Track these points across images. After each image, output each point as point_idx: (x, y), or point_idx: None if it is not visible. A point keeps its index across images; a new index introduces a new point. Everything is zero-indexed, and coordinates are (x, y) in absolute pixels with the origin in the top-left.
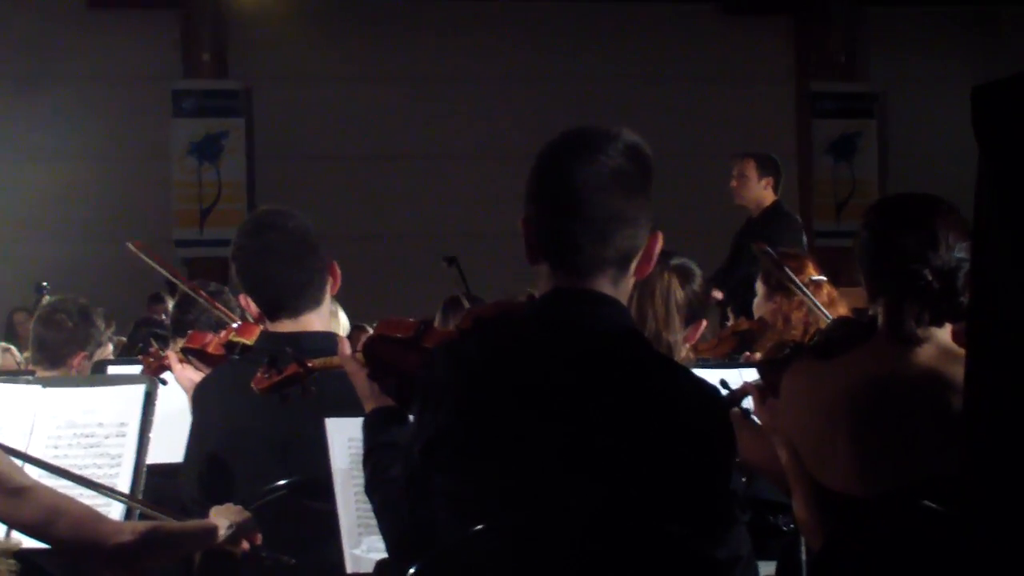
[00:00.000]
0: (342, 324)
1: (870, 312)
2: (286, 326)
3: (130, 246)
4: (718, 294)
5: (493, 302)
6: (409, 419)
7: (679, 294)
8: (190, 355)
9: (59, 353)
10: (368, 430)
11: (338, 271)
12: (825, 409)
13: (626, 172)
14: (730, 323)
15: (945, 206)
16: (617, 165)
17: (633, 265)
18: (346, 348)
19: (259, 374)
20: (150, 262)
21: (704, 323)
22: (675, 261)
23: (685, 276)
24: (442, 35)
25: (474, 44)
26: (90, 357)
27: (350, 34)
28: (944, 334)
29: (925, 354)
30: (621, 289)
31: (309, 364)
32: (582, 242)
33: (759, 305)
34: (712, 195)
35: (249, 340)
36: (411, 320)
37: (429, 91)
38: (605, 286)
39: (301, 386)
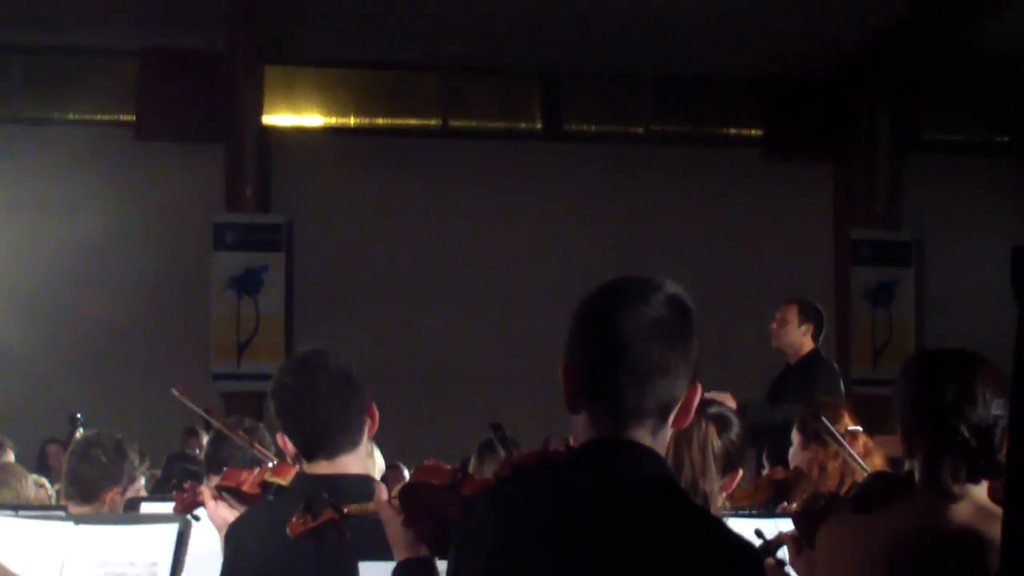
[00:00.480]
0: (377, 464)
1: (907, 466)
2: (323, 467)
3: (175, 392)
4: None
5: (532, 451)
6: (438, 571)
7: (716, 443)
8: (225, 493)
9: (93, 488)
10: None
11: (376, 413)
12: (863, 564)
13: (668, 322)
14: (766, 471)
15: (982, 361)
16: (660, 316)
17: (672, 416)
18: (383, 494)
19: (294, 519)
20: (195, 408)
21: (740, 473)
22: (713, 410)
23: (723, 425)
24: (485, 174)
25: (516, 183)
26: (123, 492)
27: (392, 170)
28: (981, 491)
29: (962, 511)
30: (659, 440)
31: (345, 510)
32: (623, 391)
33: (795, 454)
34: (750, 340)
35: (284, 480)
36: (448, 467)
37: (469, 230)
38: (644, 436)
39: (336, 532)
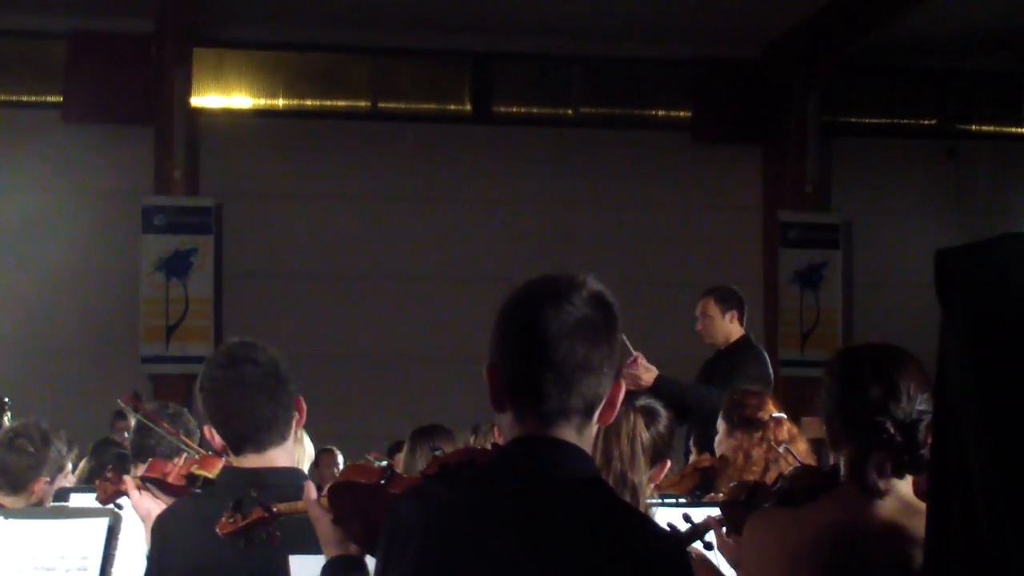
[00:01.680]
0: (307, 450)
1: (831, 460)
2: (251, 461)
3: (120, 402)
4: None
5: (459, 449)
6: (367, 568)
7: (644, 435)
8: (149, 484)
9: (21, 479)
10: None
11: (304, 406)
12: (788, 558)
13: (591, 321)
14: (692, 459)
15: (907, 357)
16: (583, 315)
17: (597, 413)
18: (312, 493)
19: (224, 519)
20: (144, 420)
21: (668, 463)
22: (640, 402)
23: (650, 417)
24: (415, 157)
25: (446, 166)
26: (51, 481)
27: (324, 153)
28: (906, 486)
29: (887, 507)
30: (585, 437)
31: (274, 509)
32: (548, 390)
33: (720, 442)
34: (681, 323)
35: (211, 473)
36: (376, 466)
37: (401, 213)
38: (569, 434)
39: (266, 531)
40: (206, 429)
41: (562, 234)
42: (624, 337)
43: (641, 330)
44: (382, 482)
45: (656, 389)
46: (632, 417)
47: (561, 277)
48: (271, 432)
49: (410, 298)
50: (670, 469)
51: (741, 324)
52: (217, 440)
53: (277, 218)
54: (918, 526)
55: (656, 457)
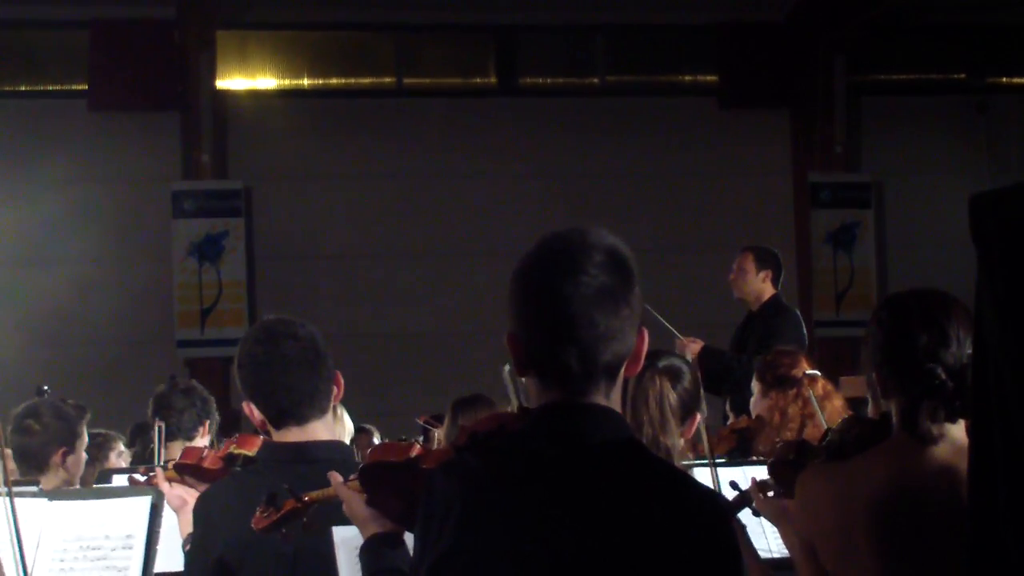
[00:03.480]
0: (347, 427)
1: (871, 409)
2: (293, 435)
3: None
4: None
5: (486, 416)
6: (407, 544)
7: (671, 396)
8: (184, 472)
9: (39, 457)
10: (367, 556)
11: (342, 381)
12: (844, 511)
13: (610, 289)
14: (730, 421)
15: (952, 301)
16: (601, 283)
17: (622, 370)
18: (337, 478)
19: (258, 513)
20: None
21: (699, 416)
22: (663, 362)
23: (675, 377)
24: (444, 133)
25: (473, 140)
26: (72, 451)
27: (350, 132)
28: (959, 430)
29: (941, 452)
30: (614, 397)
31: (306, 498)
32: (573, 365)
33: (755, 403)
34: (712, 289)
35: (250, 451)
36: (405, 443)
37: (431, 189)
38: (598, 398)
39: (302, 521)
40: (245, 406)
41: (591, 204)
42: (662, 318)
43: (673, 297)
44: (413, 459)
45: (702, 359)
46: (658, 380)
47: (572, 239)
48: (312, 406)
49: (442, 275)
50: (703, 424)
51: (774, 286)
52: (257, 415)
53: (306, 198)
54: None
55: (685, 413)
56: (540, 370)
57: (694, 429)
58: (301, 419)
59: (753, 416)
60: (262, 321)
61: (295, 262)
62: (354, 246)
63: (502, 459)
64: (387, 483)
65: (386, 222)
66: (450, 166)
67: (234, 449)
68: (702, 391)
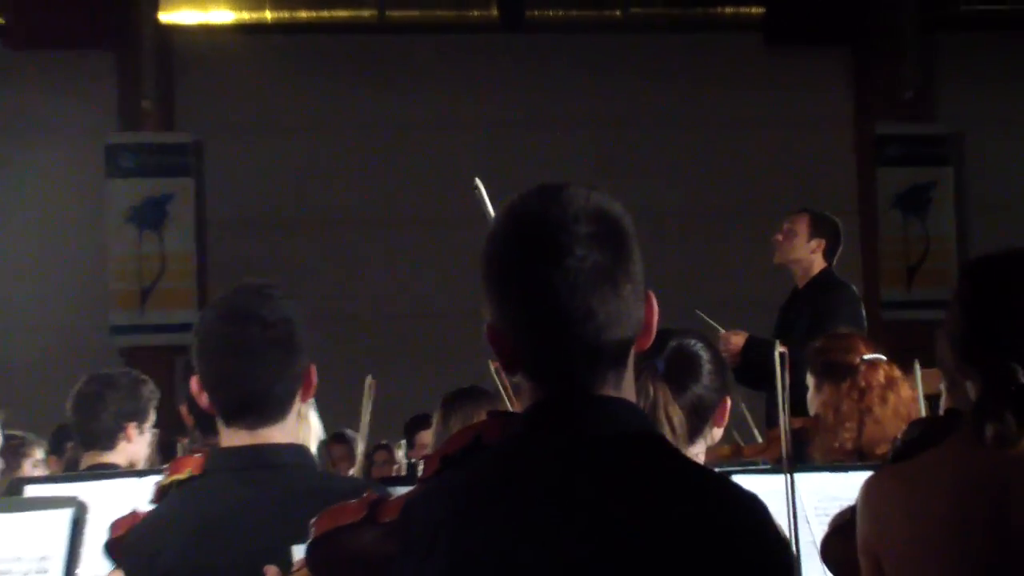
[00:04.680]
0: (314, 430)
1: (944, 401)
2: (241, 438)
3: None
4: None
5: (459, 432)
6: None
7: (674, 413)
8: (111, 548)
9: None
10: None
11: (314, 378)
12: (916, 512)
13: (604, 267)
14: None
15: None
16: (593, 262)
17: (632, 349)
18: (274, 572)
19: None
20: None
21: (728, 401)
22: (673, 343)
23: (688, 369)
24: (433, 76)
25: (469, 85)
26: None
27: (320, 76)
28: None
29: (1020, 450)
30: (626, 383)
31: None
32: (574, 364)
33: (811, 400)
34: (755, 262)
35: (183, 475)
36: (353, 501)
37: (418, 143)
38: (606, 390)
39: None
40: (193, 382)
41: (613, 162)
42: (702, 314)
43: (710, 271)
44: (371, 513)
45: (748, 354)
46: (652, 391)
47: (549, 211)
48: (272, 408)
49: (430, 245)
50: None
51: (827, 259)
52: (204, 400)
53: (268, 155)
54: None
55: (699, 422)
56: (533, 370)
57: (727, 416)
58: (255, 422)
59: (812, 414)
60: (234, 288)
61: (254, 231)
62: (325, 212)
63: (493, 467)
64: (343, 553)
65: (364, 183)
66: (442, 116)
67: (165, 481)
68: (725, 376)
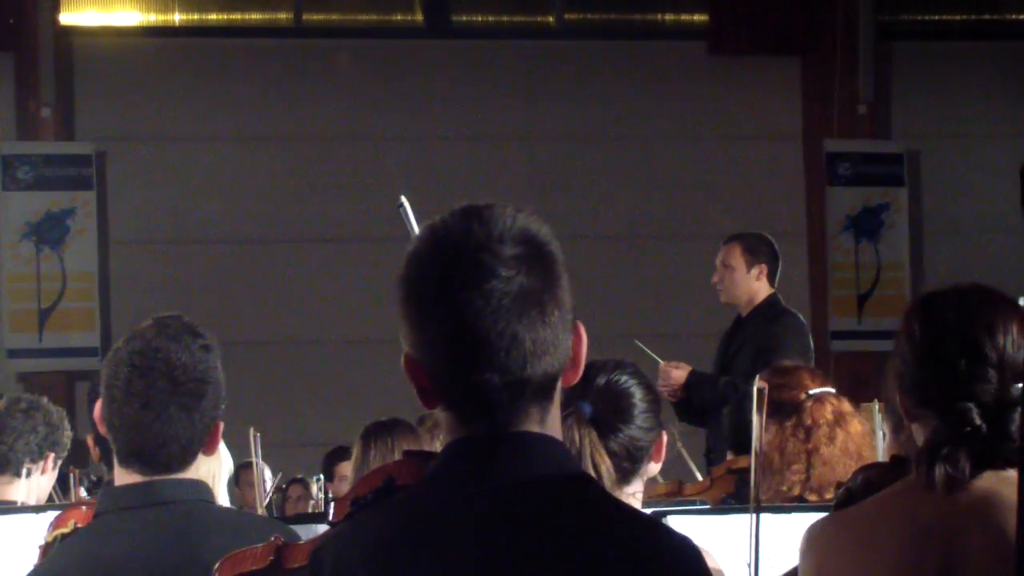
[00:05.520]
0: (224, 462)
1: (886, 442)
2: (136, 477)
3: None
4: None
5: (367, 474)
6: None
7: (602, 461)
8: None
9: None
10: None
11: (220, 432)
12: (863, 562)
13: (531, 290)
14: (728, 458)
15: (1003, 306)
16: (519, 287)
17: (559, 383)
18: None
19: None
20: None
21: (664, 436)
22: (600, 378)
23: (614, 415)
24: (353, 84)
25: (397, 96)
26: None
27: (232, 82)
28: (991, 475)
29: (966, 498)
30: (550, 420)
31: None
32: (496, 397)
33: (757, 439)
34: (700, 287)
35: (67, 527)
36: (259, 545)
37: (337, 156)
38: (530, 426)
39: None
40: (98, 406)
41: (546, 178)
42: (641, 344)
43: (650, 295)
44: (277, 559)
45: (690, 389)
46: (579, 434)
47: (471, 230)
48: (166, 462)
49: (353, 265)
50: (671, 446)
51: (771, 283)
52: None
53: (176, 167)
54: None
55: (632, 466)
56: (451, 403)
57: (663, 451)
58: (152, 471)
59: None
60: (149, 327)
61: (161, 248)
62: (237, 229)
63: (405, 512)
64: None
65: (279, 198)
66: (362, 127)
67: (50, 536)
68: (659, 412)
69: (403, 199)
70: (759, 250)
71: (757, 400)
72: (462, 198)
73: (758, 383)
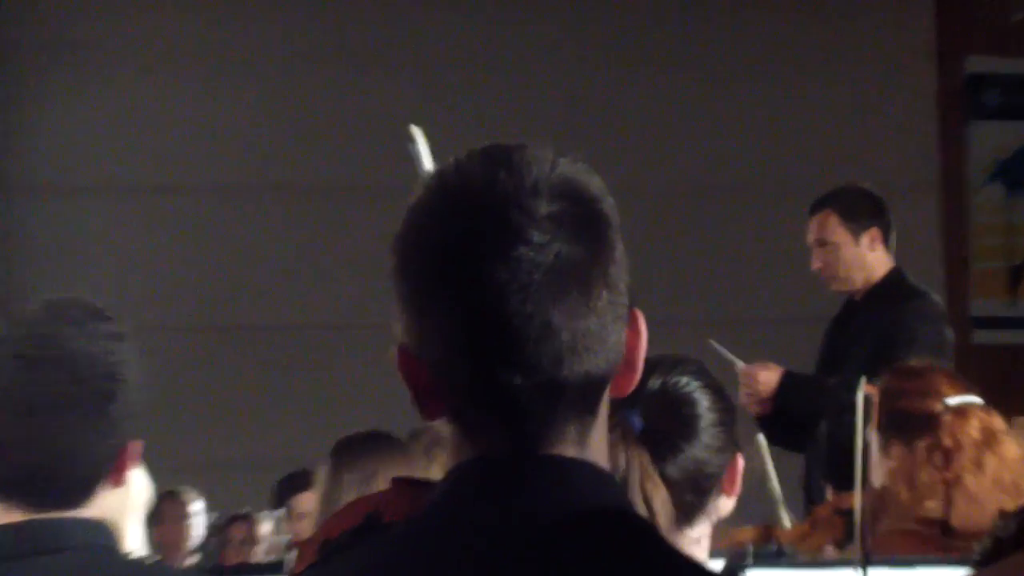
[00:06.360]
0: (136, 495)
1: None
2: (17, 516)
3: None
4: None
5: (341, 508)
6: None
7: (656, 493)
8: None
9: None
10: None
11: (137, 452)
12: None
13: (573, 262)
14: (830, 497)
15: None
16: (556, 256)
17: (606, 391)
18: None
19: None
20: None
21: (740, 461)
22: (637, 413)
23: (674, 430)
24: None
25: (373, 10)
26: None
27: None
28: None
29: None
30: (592, 441)
31: None
32: (523, 404)
33: (876, 465)
34: (793, 259)
35: None
36: None
37: (296, 86)
38: (566, 448)
39: None
40: None
41: (585, 116)
42: (716, 345)
43: (726, 274)
44: None
45: (785, 396)
46: (625, 456)
47: (495, 178)
48: (61, 493)
49: (313, 225)
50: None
51: (886, 247)
52: None
53: (85, 96)
54: None
55: (698, 499)
56: (462, 412)
57: (738, 479)
58: (41, 503)
59: (877, 485)
60: (39, 310)
61: (60, 201)
62: (163, 176)
63: (396, 559)
64: None
65: (220, 139)
66: (329, 51)
67: None
68: (734, 427)
69: (414, 129)
70: (862, 210)
71: (863, 413)
72: (460, 140)
73: (864, 389)
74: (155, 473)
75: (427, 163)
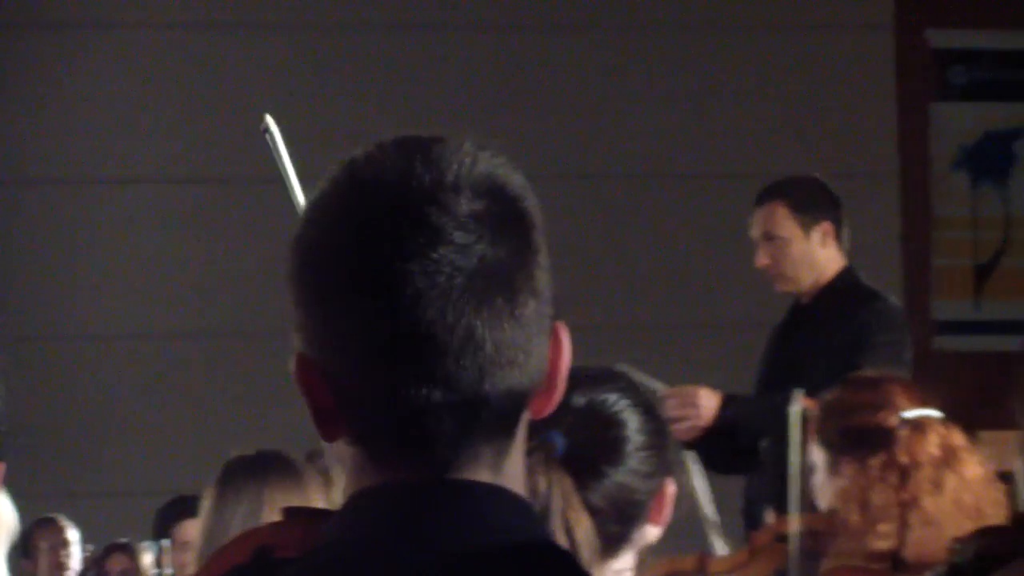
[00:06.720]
0: (3, 521)
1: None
2: None
3: None
4: None
5: (226, 545)
6: None
7: (578, 522)
8: None
9: None
10: None
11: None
12: None
13: (498, 268)
14: (771, 520)
15: None
16: (479, 259)
17: (525, 412)
18: None
19: None
20: None
21: (671, 487)
22: (579, 398)
23: (598, 453)
24: None
25: None
26: None
27: None
28: None
29: None
30: (508, 466)
31: None
32: (439, 423)
33: (822, 485)
34: (738, 256)
35: None
36: None
37: (237, 41)
38: (480, 472)
39: None
40: None
41: (518, 86)
42: (628, 368)
43: (665, 276)
44: None
45: (726, 421)
46: (545, 481)
47: (411, 172)
48: None
49: (211, 214)
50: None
51: (838, 243)
52: None
53: (77, 85)
54: None
55: (624, 528)
56: (368, 432)
57: (666, 508)
58: None
59: (823, 506)
60: None
61: (45, 191)
62: (127, 164)
63: None
64: None
65: (218, 133)
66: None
67: None
68: (665, 450)
69: (268, 120)
70: (814, 201)
71: (798, 429)
72: (393, 126)
73: (798, 402)
74: (28, 500)
75: (285, 158)
